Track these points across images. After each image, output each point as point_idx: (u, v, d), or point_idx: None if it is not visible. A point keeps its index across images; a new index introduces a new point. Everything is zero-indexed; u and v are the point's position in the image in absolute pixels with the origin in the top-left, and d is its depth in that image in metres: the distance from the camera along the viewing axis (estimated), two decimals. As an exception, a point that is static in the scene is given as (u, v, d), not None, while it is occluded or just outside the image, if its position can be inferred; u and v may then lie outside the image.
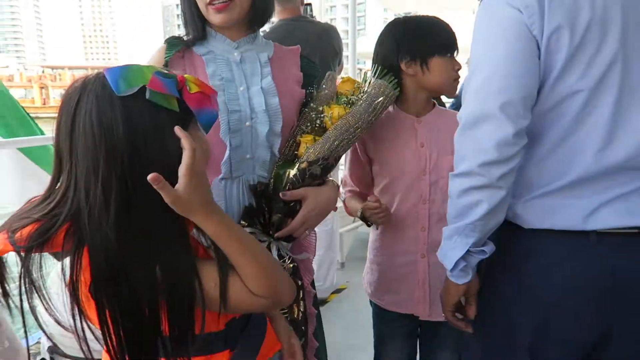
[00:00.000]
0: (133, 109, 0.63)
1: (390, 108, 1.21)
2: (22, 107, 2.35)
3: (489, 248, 0.90)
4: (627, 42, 0.79)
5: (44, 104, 38.64)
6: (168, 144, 0.64)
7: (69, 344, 1.59)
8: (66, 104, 0.64)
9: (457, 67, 1.18)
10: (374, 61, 1.21)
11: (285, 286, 0.75)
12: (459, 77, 1.19)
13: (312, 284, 1.19)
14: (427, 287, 1.22)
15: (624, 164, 0.82)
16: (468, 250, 0.88)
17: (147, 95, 0.63)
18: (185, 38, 1.07)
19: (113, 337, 0.64)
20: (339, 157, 1.09)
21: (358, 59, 4.19)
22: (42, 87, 39.32)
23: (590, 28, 0.79)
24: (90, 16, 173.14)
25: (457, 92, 1.25)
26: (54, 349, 1.66)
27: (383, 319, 1.32)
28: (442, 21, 1.20)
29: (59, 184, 0.67)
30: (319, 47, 2.16)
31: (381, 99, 1.05)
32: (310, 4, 2.63)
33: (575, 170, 0.84)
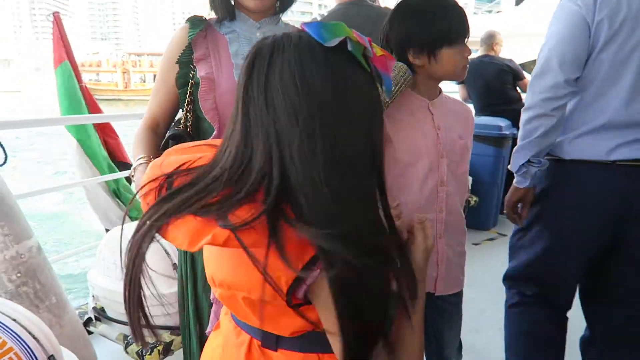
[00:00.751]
0: (334, 61, 0.59)
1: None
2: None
3: (544, 161, 1.40)
4: None
5: (126, 87, 42.55)
6: (366, 105, 0.61)
7: (114, 308, 1.74)
8: (257, 60, 0.60)
9: (467, 53, 1.12)
10: (384, 44, 1.18)
11: None
12: (468, 62, 1.13)
13: None
14: (443, 265, 1.24)
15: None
16: (529, 160, 1.40)
17: (349, 47, 0.60)
18: (207, 18, 1.10)
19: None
20: None
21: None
22: (124, 72, 43.01)
23: (624, 22, 1.20)
24: (181, 7, 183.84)
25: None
26: (100, 312, 1.81)
27: None
28: (453, 2, 1.10)
29: (243, 148, 0.60)
30: (375, 33, 2.12)
31: (402, 80, 1.09)
32: None
33: (606, 117, 1.27)
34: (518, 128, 3.60)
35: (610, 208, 1.30)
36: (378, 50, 0.64)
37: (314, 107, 0.57)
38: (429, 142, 1.18)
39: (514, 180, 1.48)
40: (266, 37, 0.62)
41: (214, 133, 1.07)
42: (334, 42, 0.59)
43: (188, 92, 1.08)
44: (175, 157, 0.66)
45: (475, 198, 3.59)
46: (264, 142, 0.58)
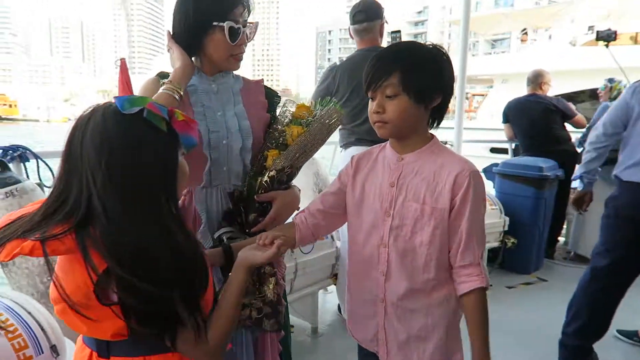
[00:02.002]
0: (131, 124, 0.80)
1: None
2: None
3: (592, 177, 2.40)
4: None
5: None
6: (158, 156, 0.81)
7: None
8: (78, 122, 0.81)
9: (373, 109, 1.09)
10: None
11: (221, 351, 0.89)
12: (376, 119, 1.09)
13: (284, 278, 1.39)
14: (383, 331, 1.16)
15: None
16: (583, 173, 2.40)
17: (145, 114, 0.80)
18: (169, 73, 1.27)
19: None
20: (300, 167, 1.31)
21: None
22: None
23: None
24: (261, 42, 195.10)
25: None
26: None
27: (360, 352, 1.31)
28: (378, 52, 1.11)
29: (62, 187, 0.80)
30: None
31: (334, 120, 1.25)
32: (399, 31, 2.70)
33: (637, 156, 2.05)
34: (566, 168, 3.54)
35: None
36: (180, 116, 0.85)
37: (112, 157, 0.77)
38: (377, 198, 1.13)
39: (577, 184, 2.53)
40: (89, 107, 0.84)
41: None
42: (132, 111, 0.79)
43: None
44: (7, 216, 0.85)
45: (512, 240, 3.48)
46: (77, 182, 0.78)
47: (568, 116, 3.83)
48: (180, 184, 0.87)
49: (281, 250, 1.02)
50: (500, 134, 4.57)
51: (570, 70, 7.71)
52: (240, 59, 1.30)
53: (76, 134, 0.80)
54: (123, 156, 0.78)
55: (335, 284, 2.61)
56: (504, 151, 3.96)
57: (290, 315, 2.31)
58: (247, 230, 1.24)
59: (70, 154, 0.80)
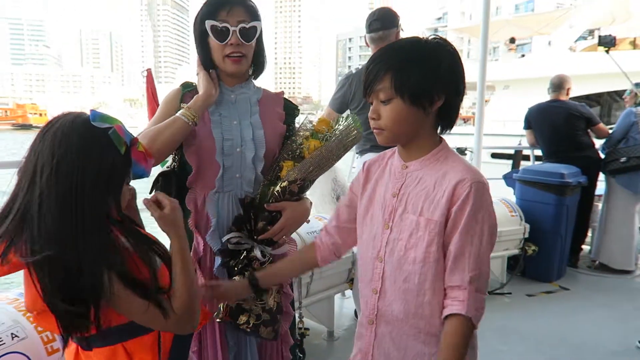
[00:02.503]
0: (95, 135, 0.85)
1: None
2: None
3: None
4: None
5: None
6: (107, 170, 0.87)
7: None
8: (48, 123, 0.86)
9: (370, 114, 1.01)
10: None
11: (194, 313, 0.95)
12: (374, 126, 1.02)
13: (291, 286, 1.43)
14: (370, 357, 1.06)
15: None
16: None
17: (110, 132, 0.86)
18: (195, 84, 1.36)
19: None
20: (313, 180, 1.31)
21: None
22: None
23: None
24: (283, 50, 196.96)
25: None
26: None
27: None
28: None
29: (10, 198, 0.84)
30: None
31: (351, 137, 1.26)
32: None
33: None
34: (590, 175, 3.49)
35: None
36: (140, 147, 0.92)
37: (66, 155, 0.82)
38: (380, 207, 1.05)
39: None
40: (54, 117, 0.88)
41: (192, 172, 1.29)
42: (100, 125, 0.86)
43: None
44: None
45: (533, 247, 3.43)
46: (24, 190, 0.82)
47: (593, 123, 3.76)
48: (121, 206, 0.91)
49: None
50: (504, 140, 4.54)
51: (571, 76, 7.75)
52: (237, 60, 1.29)
53: (41, 134, 0.86)
54: (76, 157, 0.82)
55: (351, 289, 2.64)
56: (505, 156, 3.92)
57: (306, 319, 2.35)
58: (255, 237, 1.27)
59: (31, 152, 0.85)
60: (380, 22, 2.37)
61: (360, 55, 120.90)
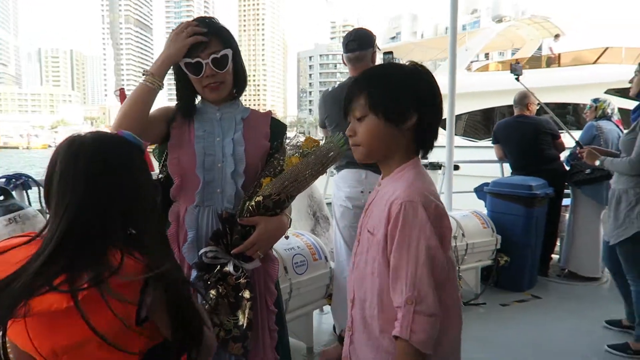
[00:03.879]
0: (132, 150, 0.91)
1: None
2: None
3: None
4: None
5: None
6: (142, 179, 0.92)
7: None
8: (68, 145, 0.86)
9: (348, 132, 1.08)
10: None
11: None
12: (352, 143, 1.07)
13: (276, 304, 1.43)
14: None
15: None
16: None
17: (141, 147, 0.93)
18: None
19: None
20: (292, 197, 1.32)
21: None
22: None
23: None
24: (247, 66, 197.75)
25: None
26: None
27: None
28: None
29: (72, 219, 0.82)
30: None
31: (332, 153, 1.27)
32: (391, 52, 2.79)
33: None
34: (556, 187, 3.63)
35: None
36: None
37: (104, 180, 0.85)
38: (361, 222, 1.12)
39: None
40: (68, 137, 0.89)
41: (175, 183, 1.33)
42: (134, 140, 0.92)
43: (165, 151, 1.40)
44: None
45: (505, 257, 3.52)
46: (92, 205, 0.83)
47: (555, 137, 3.94)
48: None
49: None
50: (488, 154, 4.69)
51: (467, 93, 8.43)
52: (216, 88, 1.35)
53: (65, 155, 0.85)
54: (125, 174, 0.88)
55: (330, 304, 2.62)
56: (437, 167, 4.10)
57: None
58: (230, 252, 1.27)
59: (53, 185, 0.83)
60: (356, 42, 2.42)
61: (321, 72, 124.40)
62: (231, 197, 1.35)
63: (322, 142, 1.32)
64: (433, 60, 13.76)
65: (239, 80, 1.43)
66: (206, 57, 1.30)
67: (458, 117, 9.68)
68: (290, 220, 1.40)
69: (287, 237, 1.38)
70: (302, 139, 1.33)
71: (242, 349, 1.25)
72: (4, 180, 1.70)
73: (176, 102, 1.42)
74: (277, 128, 1.48)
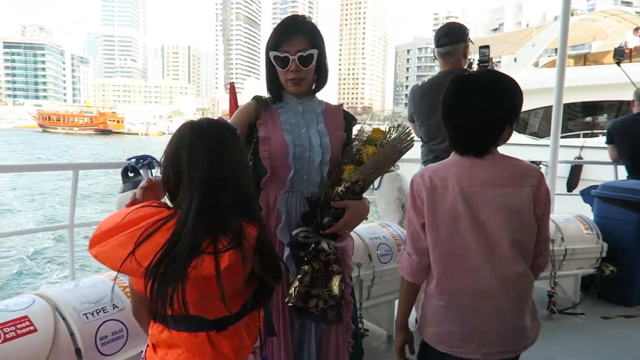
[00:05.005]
0: (236, 135, 1.11)
1: None
2: None
3: None
4: None
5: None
6: (243, 155, 1.14)
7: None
8: (192, 129, 1.04)
9: None
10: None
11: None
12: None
13: (351, 278, 1.59)
14: None
15: None
16: None
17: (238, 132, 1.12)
18: (265, 97, 1.57)
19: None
20: (372, 182, 1.50)
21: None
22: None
23: None
24: (347, 63, 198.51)
25: None
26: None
27: None
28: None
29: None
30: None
31: (405, 144, 1.44)
32: (487, 47, 2.71)
33: None
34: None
35: None
36: None
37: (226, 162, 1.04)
38: None
39: None
40: (185, 123, 1.07)
41: (267, 174, 1.47)
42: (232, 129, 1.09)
43: (252, 146, 1.53)
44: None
45: (611, 267, 3.22)
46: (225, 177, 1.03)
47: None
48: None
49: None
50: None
51: (534, 89, 7.46)
52: (297, 83, 1.48)
53: (191, 136, 1.03)
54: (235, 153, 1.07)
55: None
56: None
57: (365, 321, 2.41)
58: (320, 232, 1.41)
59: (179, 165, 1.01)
60: (448, 37, 2.41)
61: (418, 66, 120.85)
62: (316, 183, 1.50)
63: (387, 132, 1.47)
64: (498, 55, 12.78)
65: (321, 79, 1.56)
66: (294, 54, 1.44)
67: (528, 113, 9.10)
68: (369, 202, 1.51)
69: (367, 219, 1.52)
70: (369, 129, 1.49)
71: (339, 315, 1.41)
72: (134, 160, 2.01)
73: (253, 98, 1.58)
74: (349, 119, 1.62)
